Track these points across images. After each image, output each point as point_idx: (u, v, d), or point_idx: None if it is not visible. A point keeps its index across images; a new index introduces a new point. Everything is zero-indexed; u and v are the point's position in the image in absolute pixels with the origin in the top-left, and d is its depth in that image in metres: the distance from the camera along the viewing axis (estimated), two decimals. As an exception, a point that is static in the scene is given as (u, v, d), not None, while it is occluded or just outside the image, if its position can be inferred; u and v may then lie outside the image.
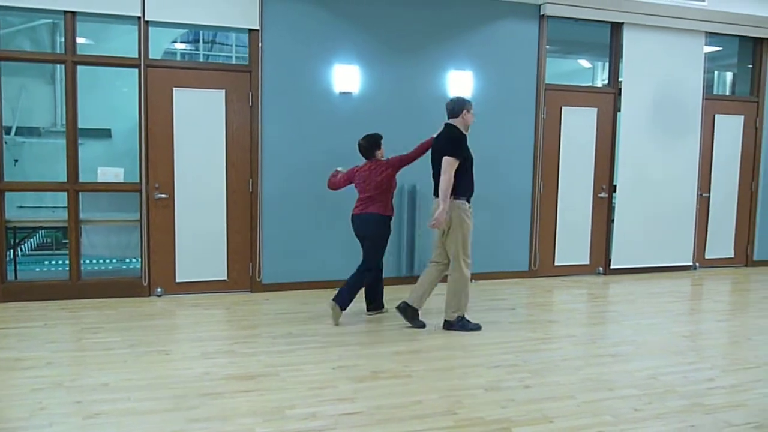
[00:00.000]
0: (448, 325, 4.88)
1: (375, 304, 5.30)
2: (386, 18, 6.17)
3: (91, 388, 3.58)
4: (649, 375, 3.99)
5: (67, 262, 5.67)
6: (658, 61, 7.10)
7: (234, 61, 8.33)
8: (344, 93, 6.06)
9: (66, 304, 5.43)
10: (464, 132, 4.82)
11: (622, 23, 6.93)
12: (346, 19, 6.04)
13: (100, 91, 7.45)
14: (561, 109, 6.88)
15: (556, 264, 7.04)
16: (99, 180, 5.78)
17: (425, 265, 6.31)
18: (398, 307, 4.93)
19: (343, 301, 4.92)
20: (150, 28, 5.59)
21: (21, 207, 6.99)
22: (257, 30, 5.78)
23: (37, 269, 6.82)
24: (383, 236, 5.08)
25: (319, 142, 6.02)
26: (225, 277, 5.93)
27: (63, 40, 5.62)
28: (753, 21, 7.17)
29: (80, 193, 5.65)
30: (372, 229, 5.03)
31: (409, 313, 4.92)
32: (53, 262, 7.15)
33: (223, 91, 5.78)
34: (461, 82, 6.39)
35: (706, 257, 7.72)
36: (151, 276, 5.75)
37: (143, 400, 3.42)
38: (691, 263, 7.56)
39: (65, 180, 5.56)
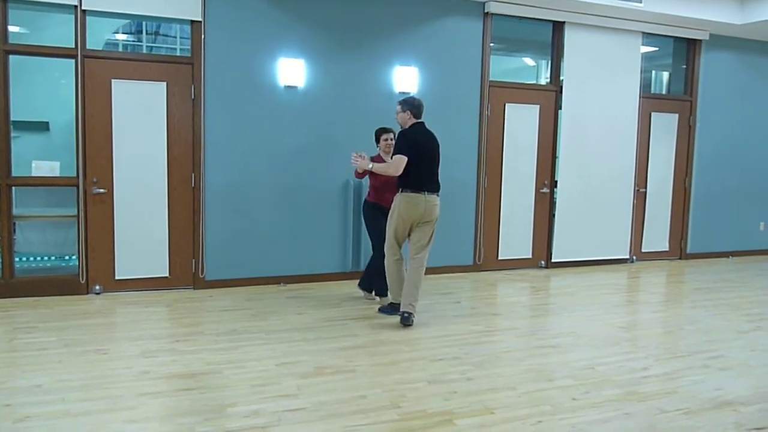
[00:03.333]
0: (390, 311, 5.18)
1: (365, 284, 5.69)
2: (332, 12, 6.13)
3: (22, 390, 3.45)
4: (586, 365, 4.11)
5: (0, 260, 5.45)
6: (597, 60, 7.30)
7: (178, 53, 8.14)
8: (289, 87, 6.00)
9: (-2, 303, 5.23)
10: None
11: (564, 22, 7.09)
12: (292, 12, 5.98)
13: (37, 82, 7.16)
14: (504, 105, 6.99)
15: (499, 258, 7.17)
16: (33, 174, 5.56)
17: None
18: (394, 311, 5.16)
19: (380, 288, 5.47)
20: (88, 18, 5.41)
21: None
22: (200, 21, 5.66)
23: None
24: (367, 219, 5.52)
25: (264, 136, 5.95)
26: (167, 274, 5.80)
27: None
28: (687, 23, 7.44)
29: (13, 187, 5.42)
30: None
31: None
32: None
33: (165, 83, 5.64)
34: (407, 78, 6.42)
35: (643, 250, 7.99)
36: (89, 273, 5.58)
37: (78, 402, 3.32)
38: (628, 256, 7.81)
39: (-4, 174, 5.34)
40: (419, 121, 4.99)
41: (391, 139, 5.33)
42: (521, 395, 3.59)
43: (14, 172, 5.40)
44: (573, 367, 4.07)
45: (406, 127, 4.97)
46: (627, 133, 7.58)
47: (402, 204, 4.90)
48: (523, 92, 7.17)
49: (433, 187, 4.95)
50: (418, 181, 4.87)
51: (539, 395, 3.60)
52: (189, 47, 5.81)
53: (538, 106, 7.17)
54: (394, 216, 4.95)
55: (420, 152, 4.86)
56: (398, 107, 5.03)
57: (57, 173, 5.63)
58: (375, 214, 5.40)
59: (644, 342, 4.75)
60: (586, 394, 3.63)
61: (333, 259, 6.35)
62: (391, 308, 5.15)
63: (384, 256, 5.10)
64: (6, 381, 3.58)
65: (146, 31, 8.79)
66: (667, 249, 8.14)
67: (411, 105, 4.96)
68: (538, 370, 4.00)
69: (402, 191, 4.91)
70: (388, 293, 5.26)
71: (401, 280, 5.01)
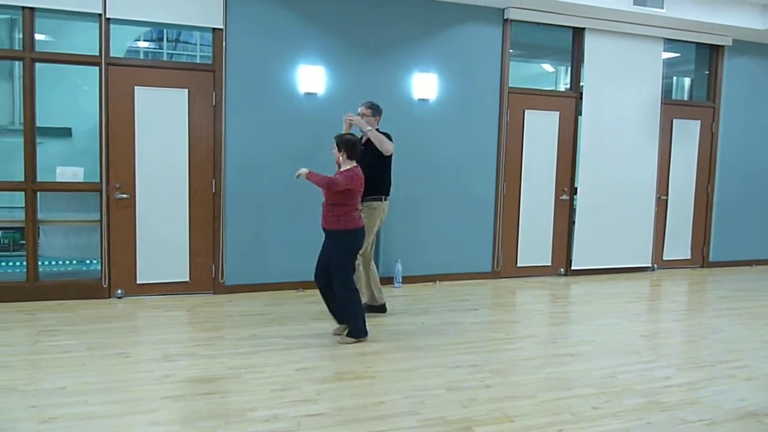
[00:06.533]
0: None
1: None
2: (352, 19, 6.17)
3: (46, 392, 3.50)
4: (607, 374, 4.08)
5: (24, 263, 5.54)
6: (618, 66, 7.25)
7: (198, 60, 8.23)
8: (309, 93, 6.04)
9: (23, 306, 5.30)
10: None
11: (584, 28, 7.05)
12: (312, 19, 6.03)
13: (61, 89, 7.29)
14: (524, 112, 6.97)
15: (518, 265, 7.13)
16: (58, 179, 5.65)
17: (390, 266, 6.39)
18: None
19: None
20: (111, 26, 5.49)
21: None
22: (221, 29, 5.73)
23: (-7, 271, 6.64)
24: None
25: (284, 143, 5.99)
26: (187, 279, 5.85)
27: (21, 36, 5.49)
28: (709, 28, 7.37)
29: (38, 192, 5.51)
30: None
31: (377, 309, 5.33)
32: (10, 264, 6.96)
33: (186, 90, 5.71)
34: (426, 84, 6.43)
35: (664, 258, 7.91)
36: (112, 277, 5.65)
37: (101, 404, 3.36)
38: (649, 264, 7.73)
39: (23, 179, 5.43)
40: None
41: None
42: (541, 403, 3.57)
43: (39, 178, 5.49)
44: (593, 376, 4.04)
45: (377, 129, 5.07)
46: (648, 140, 7.52)
47: (383, 210, 5.10)
48: (542, 99, 7.15)
49: None
50: (389, 187, 5.13)
51: (559, 404, 3.57)
52: (208, 54, 5.88)
53: (557, 113, 7.14)
54: (377, 223, 5.09)
55: (390, 158, 5.04)
56: (369, 110, 5.08)
57: (80, 179, 5.71)
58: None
59: (666, 351, 4.70)
60: (606, 403, 3.60)
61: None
62: (369, 309, 5.18)
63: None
64: (31, 383, 3.63)
65: (167, 38, 8.90)
66: (688, 257, 8.05)
67: (380, 112, 5.16)
68: (558, 379, 3.97)
69: (385, 198, 5.10)
70: (362, 297, 4.99)
71: (368, 281, 5.26)
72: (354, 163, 4.56)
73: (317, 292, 6.12)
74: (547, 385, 3.85)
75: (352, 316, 4.60)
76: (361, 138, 4.97)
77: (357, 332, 4.58)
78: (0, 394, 3.45)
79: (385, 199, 5.14)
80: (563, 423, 3.31)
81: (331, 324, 4.83)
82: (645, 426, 3.31)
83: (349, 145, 4.54)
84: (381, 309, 5.35)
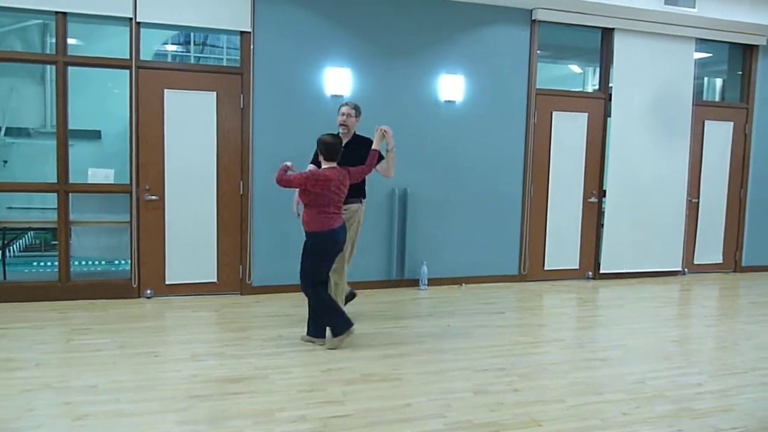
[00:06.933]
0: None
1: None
2: (378, 21, 6.18)
3: (79, 390, 3.56)
4: (637, 379, 4.02)
5: (56, 263, 5.64)
6: (648, 67, 7.15)
7: (225, 64, 8.32)
8: (335, 96, 6.06)
9: (55, 305, 5.40)
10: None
11: (614, 29, 6.97)
12: (338, 21, 6.05)
13: (90, 93, 7.42)
14: (552, 113, 6.91)
15: (545, 268, 7.06)
16: (89, 181, 5.75)
17: (416, 269, 6.38)
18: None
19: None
20: (141, 30, 5.58)
21: (10, 208, 6.96)
22: (249, 32, 5.78)
23: (26, 270, 6.78)
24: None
25: (311, 145, 5.96)
26: (215, 279, 5.91)
27: (53, 41, 5.60)
28: (743, 28, 7.24)
29: (70, 194, 5.61)
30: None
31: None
32: (42, 264, 7.11)
33: (215, 93, 5.77)
34: (452, 86, 6.41)
35: (695, 263, 7.77)
36: (141, 278, 5.73)
37: (132, 402, 3.41)
38: (680, 268, 7.60)
39: (55, 181, 5.53)
40: None
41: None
42: (569, 408, 3.53)
43: (70, 179, 5.58)
44: (623, 381, 3.98)
45: (354, 132, 4.94)
46: (679, 142, 7.40)
47: (363, 213, 4.97)
48: (571, 100, 7.08)
49: None
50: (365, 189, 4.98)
51: (588, 409, 3.53)
52: (234, 57, 5.94)
53: (586, 114, 7.06)
54: (356, 227, 4.92)
55: None
56: (354, 111, 4.91)
57: (111, 180, 5.81)
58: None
59: (697, 357, 4.61)
60: (637, 409, 3.55)
61: (377, 267, 6.37)
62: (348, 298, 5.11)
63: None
64: (64, 380, 3.70)
65: (194, 42, 9.01)
66: (720, 261, 7.89)
67: (361, 113, 4.99)
68: (587, 383, 3.93)
69: (362, 200, 4.95)
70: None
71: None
72: (332, 164, 4.43)
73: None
74: (575, 390, 3.80)
75: (325, 315, 4.50)
76: (348, 139, 4.86)
77: (339, 327, 4.44)
78: (35, 391, 3.52)
79: (363, 202, 4.97)
80: (592, 428, 3.27)
81: (356, 325, 4.83)
82: (676, 433, 3.26)
83: (321, 146, 4.42)
84: None
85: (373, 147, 4.66)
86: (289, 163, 4.55)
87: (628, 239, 7.26)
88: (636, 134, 7.19)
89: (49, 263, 6.98)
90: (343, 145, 4.57)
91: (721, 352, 4.80)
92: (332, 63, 6.04)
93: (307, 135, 5.97)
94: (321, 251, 4.47)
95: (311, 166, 4.77)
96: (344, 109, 4.91)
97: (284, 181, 4.39)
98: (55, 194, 5.56)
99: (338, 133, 4.77)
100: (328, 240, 4.44)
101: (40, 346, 4.35)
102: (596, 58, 7.25)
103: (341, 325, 4.45)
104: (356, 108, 4.98)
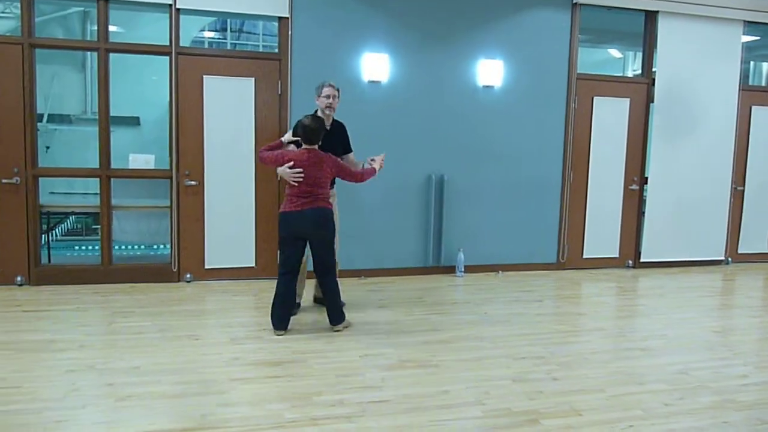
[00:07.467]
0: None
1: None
2: (416, 6, 6.12)
3: (122, 371, 3.63)
4: (679, 370, 3.93)
5: (96, 247, 5.76)
6: (693, 51, 6.94)
7: (261, 50, 8.35)
8: (373, 82, 6.03)
9: (98, 288, 5.53)
10: (323, 117, 4.69)
11: (657, 12, 6.78)
12: (376, 6, 6.01)
13: (127, 80, 7.53)
14: (593, 99, 6.77)
15: (584, 256, 6.96)
16: (130, 166, 5.84)
17: (452, 256, 6.35)
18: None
19: (337, 316, 4.56)
20: (180, 16, 5.62)
21: (52, 193, 7.12)
22: (287, 18, 5.78)
23: (67, 254, 6.94)
24: (335, 231, 4.55)
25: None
26: (253, 264, 5.97)
27: (93, 28, 5.68)
28: (793, 9, 6.98)
29: (111, 179, 5.71)
30: (328, 225, 4.44)
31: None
32: (82, 248, 7.27)
33: (253, 79, 5.80)
34: (491, 71, 6.32)
35: (739, 252, 7.56)
36: (181, 262, 5.82)
37: (173, 384, 3.47)
38: (723, 257, 7.42)
39: (98, 166, 5.63)
40: None
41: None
42: (610, 398, 3.47)
43: (112, 165, 5.68)
44: (665, 372, 3.90)
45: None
46: (724, 128, 7.18)
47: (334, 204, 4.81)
48: (612, 85, 6.92)
49: None
50: None
51: (629, 399, 3.47)
52: (271, 44, 5.95)
53: (628, 99, 6.90)
54: (336, 213, 4.78)
55: None
56: (337, 92, 4.78)
57: (152, 166, 5.89)
58: None
59: (742, 348, 4.49)
60: (680, 400, 3.47)
61: (413, 253, 6.35)
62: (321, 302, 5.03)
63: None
64: (108, 362, 3.78)
65: (230, 29, 9.07)
66: (766, 250, 7.66)
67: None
68: (628, 373, 3.86)
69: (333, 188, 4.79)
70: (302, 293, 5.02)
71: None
72: (309, 148, 4.36)
73: (379, 279, 6.17)
74: (616, 380, 3.74)
75: (273, 304, 4.48)
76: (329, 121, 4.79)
77: (274, 320, 4.44)
78: (80, 372, 3.61)
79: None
80: (634, 419, 3.22)
81: (393, 311, 4.85)
82: (721, 425, 3.18)
83: (299, 129, 4.35)
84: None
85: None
86: (283, 138, 4.57)
87: (669, 227, 7.09)
88: (680, 120, 6.99)
89: (90, 247, 7.14)
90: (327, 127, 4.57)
91: (766, 343, 4.66)
92: (370, 48, 6.00)
93: (344, 120, 5.97)
94: (280, 234, 4.46)
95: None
96: (330, 91, 4.73)
97: (260, 158, 4.46)
98: (98, 179, 5.67)
99: (316, 112, 4.75)
100: (282, 223, 4.41)
101: (85, 328, 4.45)
102: (637, 42, 7.07)
103: (275, 320, 4.42)
104: (338, 89, 4.84)
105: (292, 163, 4.30)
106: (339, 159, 4.57)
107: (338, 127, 4.88)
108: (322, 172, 4.36)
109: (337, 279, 4.61)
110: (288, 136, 4.58)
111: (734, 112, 7.18)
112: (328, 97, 4.72)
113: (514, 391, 3.51)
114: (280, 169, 4.36)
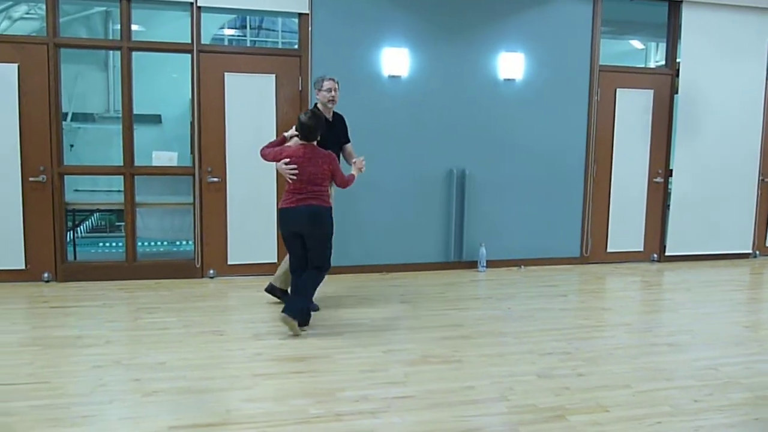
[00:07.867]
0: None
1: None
2: (436, 0, 6.08)
3: (148, 367, 3.67)
4: (708, 365, 3.87)
5: (120, 244, 5.82)
6: (718, 41, 6.81)
7: (280, 47, 8.36)
8: (393, 76, 6.01)
9: (123, 284, 5.58)
10: (323, 111, 4.71)
11: (681, 1, 6.66)
12: (396, 1, 5.98)
13: (149, 78, 7.59)
14: (615, 91, 6.68)
15: (608, 250, 6.88)
16: (153, 164, 5.89)
17: (474, 250, 6.32)
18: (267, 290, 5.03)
19: (302, 314, 4.44)
20: (202, 14, 5.64)
21: (77, 191, 7.21)
22: (307, 14, 5.77)
23: (92, 251, 7.03)
24: (332, 230, 4.53)
25: (367, 126, 5.98)
26: (275, 260, 5.98)
27: (116, 27, 5.73)
28: (823, -3, 6.81)
29: (135, 176, 5.76)
30: (325, 223, 4.42)
31: (278, 293, 5.00)
32: (107, 245, 7.36)
33: (273, 75, 5.80)
34: (512, 64, 6.26)
35: (767, 245, 7.43)
36: (204, 258, 5.86)
37: (199, 380, 3.49)
38: (750, 251, 7.29)
39: (121, 164, 5.69)
40: None
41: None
42: (636, 394, 3.43)
43: (135, 162, 5.73)
44: (693, 367, 3.84)
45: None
46: (751, 119, 7.04)
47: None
48: (635, 76, 6.82)
49: None
50: None
51: (657, 395, 3.42)
52: (290, 41, 5.95)
53: (652, 91, 6.80)
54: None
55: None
56: (337, 84, 4.76)
57: (175, 163, 5.93)
58: None
59: (773, 343, 4.41)
60: (709, 396, 3.41)
61: (435, 248, 6.33)
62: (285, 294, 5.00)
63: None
64: (134, 357, 3.82)
65: (250, 26, 9.09)
66: (795, 244, 7.54)
67: None
68: (655, 369, 3.81)
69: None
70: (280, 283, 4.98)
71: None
72: (306, 144, 4.34)
73: (400, 275, 6.15)
74: (643, 376, 3.69)
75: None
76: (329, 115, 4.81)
77: (290, 307, 4.29)
78: (107, 368, 3.64)
79: None
80: (662, 416, 3.17)
81: (415, 306, 4.83)
82: (752, 422, 3.12)
83: (297, 125, 4.35)
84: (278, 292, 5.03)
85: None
86: (286, 134, 4.61)
87: (695, 220, 6.98)
88: (705, 111, 6.87)
89: (114, 243, 7.23)
90: (326, 121, 4.61)
91: (798, 338, 4.58)
92: (390, 43, 5.98)
93: (365, 116, 6.00)
94: (280, 231, 4.53)
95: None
96: (331, 84, 4.74)
97: (261, 154, 4.52)
98: (122, 177, 5.72)
99: (315, 105, 4.78)
100: (279, 219, 4.48)
101: (111, 324, 4.50)
102: (660, 32, 6.96)
103: (292, 308, 4.29)
104: (337, 82, 4.83)
105: (288, 159, 4.32)
106: (336, 160, 4.50)
107: (339, 119, 4.93)
108: (318, 169, 4.33)
109: (322, 279, 4.53)
110: (292, 132, 4.61)
111: (761, 103, 7.04)
112: (329, 90, 4.75)
113: (539, 387, 3.48)
114: (277, 165, 4.41)
